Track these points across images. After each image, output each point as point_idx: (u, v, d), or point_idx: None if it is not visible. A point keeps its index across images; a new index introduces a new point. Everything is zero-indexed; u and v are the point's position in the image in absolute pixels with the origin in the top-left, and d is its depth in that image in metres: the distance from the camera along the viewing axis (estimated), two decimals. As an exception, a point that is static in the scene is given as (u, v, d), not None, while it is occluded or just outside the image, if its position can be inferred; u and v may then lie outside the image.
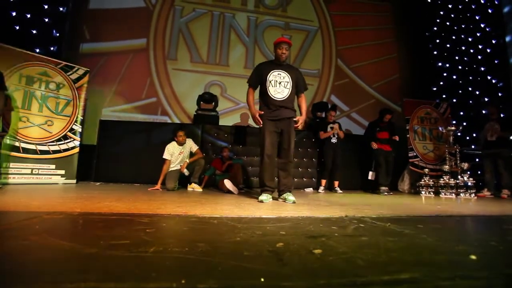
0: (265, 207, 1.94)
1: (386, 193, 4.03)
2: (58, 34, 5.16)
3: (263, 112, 2.53)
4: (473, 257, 0.84)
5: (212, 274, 0.62)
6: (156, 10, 6.15)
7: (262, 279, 0.59)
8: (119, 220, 1.26)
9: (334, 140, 4.29)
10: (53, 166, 3.80)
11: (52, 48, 4.98)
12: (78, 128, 4.14)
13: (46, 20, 4.98)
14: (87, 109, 4.43)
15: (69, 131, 4.05)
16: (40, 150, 3.72)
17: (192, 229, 1.16)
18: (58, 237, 0.90)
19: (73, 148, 4.04)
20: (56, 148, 3.87)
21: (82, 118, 4.20)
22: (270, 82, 2.50)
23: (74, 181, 3.95)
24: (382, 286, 0.59)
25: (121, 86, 5.70)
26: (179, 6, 6.26)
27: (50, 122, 3.86)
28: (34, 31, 4.71)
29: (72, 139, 4.05)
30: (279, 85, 2.49)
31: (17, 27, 4.55)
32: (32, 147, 3.66)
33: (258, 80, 2.60)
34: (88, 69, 4.34)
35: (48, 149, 3.79)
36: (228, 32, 6.38)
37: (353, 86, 6.69)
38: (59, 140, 3.91)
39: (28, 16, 4.73)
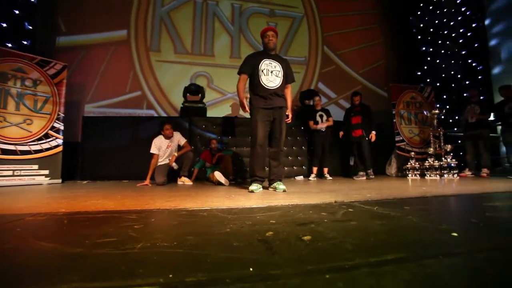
0: (255, 197, 1.95)
1: (361, 178, 4.14)
2: (30, 27, 4.86)
3: (253, 101, 2.51)
4: (455, 234, 0.87)
5: (201, 267, 0.61)
6: (135, -1, 5.88)
7: (251, 269, 0.59)
8: (106, 217, 1.23)
9: (323, 128, 4.33)
10: (36, 167, 3.67)
11: (25, 43, 4.69)
12: (60, 125, 3.99)
13: (17, 12, 4.68)
14: (68, 106, 4.26)
15: (51, 129, 3.89)
16: (20, 151, 3.57)
17: (181, 222, 1.15)
18: (41, 239, 0.87)
19: (56, 146, 3.90)
20: (37, 147, 3.72)
21: (63, 115, 4.04)
22: (262, 71, 2.48)
23: (60, 180, 3.84)
24: (369, 268, 0.60)
25: (103, 80, 5.49)
26: (159, -6, 6.01)
27: (29, 120, 3.69)
28: (4, 25, 4.42)
29: (54, 138, 3.90)
30: (271, 74, 2.49)
31: (-15, 21, 4.26)
32: (11, 147, 3.51)
33: (250, 68, 2.53)
34: (66, 64, 4.15)
35: (29, 149, 3.65)
36: (212, 21, 6.21)
37: (340, 73, 6.71)
38: (40, 139, 3.76)
39: (-4, 8, 4.42)
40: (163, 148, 3.61)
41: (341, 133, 4.47)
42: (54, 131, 3.92)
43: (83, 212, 1.39)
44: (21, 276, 0.58)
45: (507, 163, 4.54)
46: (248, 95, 2.63)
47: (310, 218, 1.16)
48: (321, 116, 4.37)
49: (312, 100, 4.60)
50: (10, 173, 3.45)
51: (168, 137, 3.62)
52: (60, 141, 3.95)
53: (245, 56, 2.64)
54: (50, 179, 3.76)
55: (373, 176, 4.18)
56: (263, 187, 2.49)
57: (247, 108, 2.49)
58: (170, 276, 0.55)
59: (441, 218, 1.17)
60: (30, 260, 0.69)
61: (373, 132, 4.23)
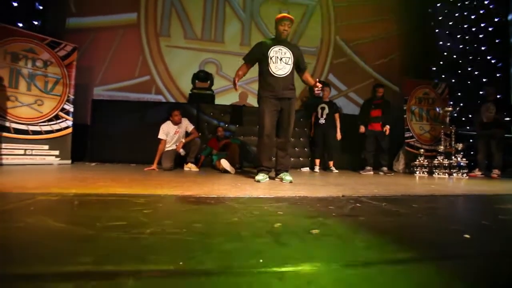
0: (262, 187, 1.95)
1: (369, 173, 4.11)
2: (41, 7, 4.83)
3: (261, 90, 2.48)
4: (467, 236, 0.85)
5: (210, 256, 0.61)
6: (146, -20, 5.77)
7: (261, 260, 0.59)
8: (115, 201, 1.25)
9: (322, 121, 4.27)
10: (47, 147, 3.74)
11: (36, 23, 4.68)
12: (69, 107, 4.03)
13: (28, -9, 4.64)
14: (77, 88, 4.29)
15: (61, 110, 3.94)
16: (32, 131, 3.64)
17: (189, 209, 1.16)
18: (54, 219, 0.88)
19: (66, 128, 3.96)
20: (48, 128, 3.78)
21: (73, 97, 4.08)
22: (271, 58, 2.42)
23: (69, 161, 3.91)
24: (381, 266, 0.59)
25: (112, 63, 5.48)
26: (171, -23, 5.88)
27: (40, 101, 3.74)
28: (15, 4, 4.40)
29: (64, 119, 3.95)
30: (280, 61, 2.42)
31: (-3, -1, 4.25)
32: (23, 127, 3.57)
33: (255, 57, 2.51)
34: (76, 46, 4.15)
35: (40, 130, 3.71)
36: (223, 7, 6.07)
37: (351, 65, 6.54)
38: (50, 120, 3.82)
39: (8, -14, 4.40)
40: (171, 134, 3.63)
41: (362, 127, 4.28)
42: (64, 113, 3.97)
43: (93, 194, 1.42)
44: (35, 256, 0.59)
45: (519, 164, 4.43)
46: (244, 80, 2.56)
47: (318, 211, 1.15)
48: (322, 109, 4.30)
49: (321, 91, 4.51)
50: (21, 152, 3.53)
51: (176, 123, 3.62)
52: (70, 123, 4.00)
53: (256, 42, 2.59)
54: (60, 159, 3.83)
55: (392, 173, 4.18)
56: (270, 177, 2.49)
57: (237, 87, 2.45)
58: (181, 263, 0.55)
59: (451, 218, 1.16)
60: (44, 240, 0.71)
61: (388, 126, 4.20)
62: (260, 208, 1.18)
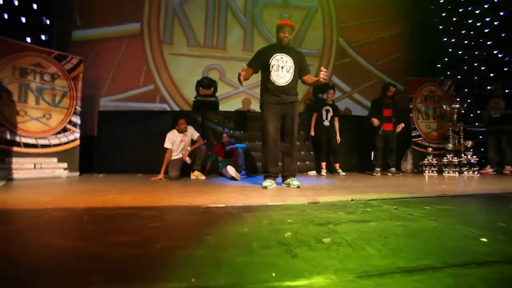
0: (269, 194, 1.94)
1: (378, 174, 4.06)
2: (48, 22, 4.96)
3: (263, 96, 2.48)
4: (484, 240, 0.83)
5: (222, 270, 0.61)
6: (148, -9, 5.88)
7: (273, 274, 0.58)
8: (124, 214, 1.26)
9: (326, 123, 4.24)
10: (55, 160, 3.80)
11: (43, 37, 4.81)
12: (77, 120, 4.10)
13: (35, 7, 4.77)
14: (84, 100, 4.36)
15: (68, 123, 4.01)
16: (41, 144, 3.70)
17: (198, 220, 1.16)
18: (63, 237, 0.89)
19: (73, 140, 4.02)
20: (56, 141, 3.85)
21: (80, 109, 4.15)
22: (272, 66, 2.42)
23: (78, 173, 3.96)
24: (394, 276, 0.58)
25: (117, 74, 5.57)
26: (172, -14, 5.98)
27: (48, 115, 3.81)
28: (23, 19, 4.53)
29: (71, 131, 4.02)
30: (282, 70, 2.42)
31: (5, 15, 4.38)
32: (33, 141, 3.64)
33: (258, 65, 2.51)
34: (82, 58, 4.23)
35: (48, 143, 3.78)
36: (225, 12, 6.13)
37: (354, 66, 6.51)
38: (58, 133, 3.89)
39: (16, 3, 4.53)
40: (177, 143, 3.65)
41: (375, 120, 4.12)
42: (72, 125, 4.03)
43: (101, 207, 1.43)
44: (42, 277, 0.59)
45: (532, 160, 4.31)
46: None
47: (327, 217, 1.13)
48: (327, 111, 4.28)
49: (326, 93, 4.50)
50: (31, 166, 3.59)
51: (182, 131, 3.65)
52: (77, 135, 4.06)
53: (258, 50, 2.59)
54: (68, 171, 3.89)
55: (401, 174, 4.14)
56: (277, 183, 2.47)
57: (241, 82, 2.39)
58: (193, 280, 0.55)
59: (466, 220, 1.12)
60: (53, 260, 0.71)
61: (402, 124, 4.18)
62: (269, 216, 1.17)
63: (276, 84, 2.41)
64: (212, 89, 5.12)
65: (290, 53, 2.47)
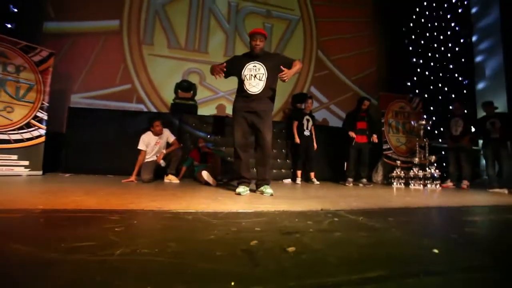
0: (242, 201, 1.94)
1: (351, 184, 4.20)
2: (16, 10, 4.64)
3: (235, 102, 2.53)
4: (436, 251, 0.89)
5: (181, 278, 0.59)
6: (130, -11, 5.73)
7: (233, 283, 0.58)
8: (86, 217, 1.19)
9: (307, 133, 4.35)
10: (15, 157, 3.52)
11: (9, 26, 4.48)
12: (43, 115, 3.84)
13: (2, -7, 4.46)
14: (53, 95, 4.11)
15: (33, 118, 3.74)
16: (-1, 139, 3.41)
17: (165, 226, 1.13)
18: (15, 241, 0.82)
19: (38, 137, 3.75)
20: (18, 137, 3.57)
21: (47, 104, 3.89)
22: (245, 76, 2.45)
23: (40, 172, 3.69)
24: (350, 286, 0.60)
25: (92, 71, 5.32)
26: (155, -14, 5.89)
27: (9, 108, 3.53)
28: (-13, 6, 4.22)
29: (36, 128, 3.75)
30: (254, 78, 2.42)
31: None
32: (-10, 135, 3.35)
33: (229, 71, 2.53)
34: (53, 52, 4.00)
35: (8, 138, 3.49)
36: (208, 18, 6.13)
37: (332, 78, 6.77)
38: (21, 128, 3.61)
39: (-19, -12, 4.21)
40: (151, 145, 3.54)
41: (352, 133, 4.25)
42: (37, 121, 3.77)
43: (62, 210, 1.34)
44: (-13, 285, 0.55)
45: (486, 175, 4.71)
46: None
47: (296, 226, 1.16)
48: (307, 120, 4.40)
49: (305, 102, 4.62)
50: (-15, 162, 3.29)
51: (157, 133, 3.55)
52: (42, 131, 3.80)
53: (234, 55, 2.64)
54: (30, 170, 3.61)
55: (371, 185, 4.30)
56: (251, 190, 2.48)
57: (217, 71, 2.44)
58: (148, 289, 0.53)
59: (423, 232, 1.20)
60: (1, 267, 0.65)
61: (375, 135, 4.38)
62: (238, 224, 1.16)
63: (249, 92, 2.43)
64: (192, 92, 5.05)
65: (263, 60, 2.47)
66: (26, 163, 3.60)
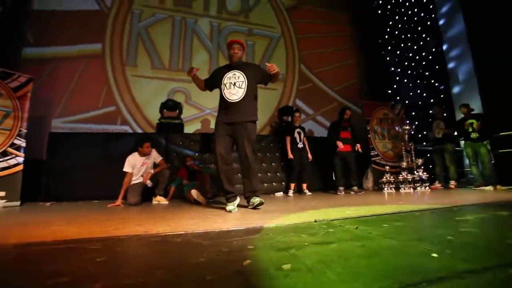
0: (233, 218, 1.87)
1: (342, 193, 4.21)
2: (-7, 37, 4.55)
3: (217, 115, 2.53)
4: (435, 255, 0.86)
5: (168, 312, 0.53)
6: (111, 13, 5.77)
7: (225, 311, 0.53)
8: (64, 249, 1.09)
9: (300, 145, 4.35)
10: (-10, 188, 3.31)
11: (-15, 53, 4.37)
12: (21, 142, 3.67)
13: (-22, 21, 4.38)
14: (33, 121, 3.96)
15: (10, 146, 3.57)
16: (-28, 170, 3.21)
17: (152, 252, 1.05)
18: (-23, 282, 0.73)
19: (15, 165, 3.56)
20: (-7, 167, 3.38)
21: (26, 131, 3.74)
22: (225, 85, 2.46)
23: (18, 203, 3.47)
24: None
25: (74, 95, 5.21)
26: (137, 10, 5.96)
27: (-16, 137, 3.37)
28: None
29: (13, 156, 3.57)
30: (234, 86, 2.42)
31: None
32: (-38, 167, 3.15)
33: (210, 83, 2.61)
34: (31, 77, 3.89)
35: (-18, 169, 3.30)
36: (191, 38, 6.23)
37: (316, 90, 6.94)
38: (-4, 157, 3.42)
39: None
40: (138, 166, 3.43)
41: (339, 143, 4.30)
42: (14, 148, 3.59)
43: (38, 243, 1.23)
44: None
45: (470, 174, 4.84)
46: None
47: (290, 241, 1.11)
48: (299, 133, 4.42)
49: (292, 116, 4.66)
50: (-43, 196, 3.07)
51: (145, 154, 3.46)
52: (20, 159, 3.61)
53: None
54: (6, 201, 3.39)
55: (363, 192, 4.30)
56: (242, 206, 2.41)
57: (192, 72, 2.47)
58: (129, 328, 0.47)
59: (419, 236, 1.17)
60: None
61: (358, 144, 4.42)
62: (229, 243, 1.10)
63: (229, 100, 2.41)
64: (177, 111, 5.02)
65: (242, 69, 2.48)
66: (3, 194, 3.39)
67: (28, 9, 5.23)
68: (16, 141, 3.62)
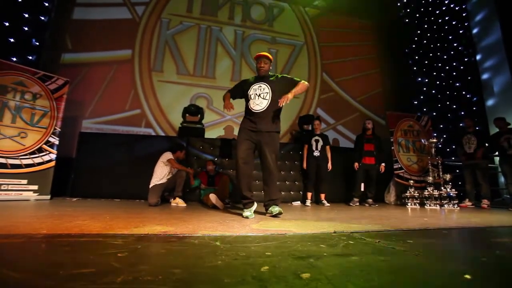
0: (250, 224, 1.86)
1: (356, 204, 4.16)
2: (37, 44, 4.98)
3: (241, 123, 2.58)
4: (468, 276, 0.80)
5: (186, 310, 0.53)
6: (142, 22, 6.11)
7: (243, 315, 0.52)
8: (89, 242, 1.14)
9: (316, 154, 4.26)
10: (25, 181, 3.55)
11: (30, 58, 4.78)
12: (55, 140, 3.93)
13: (26, 28, 4.81)
14: (66, 121, 4.23)
15: (45, 143, 3.83)
16: (11, 164, 3.47)
17: (170, 251, 1.07)
18: (10, 267, 0.78)
19: (48, 161, 3.81)
20: (29, 161, 3.63)
21: (59, 130, 4.00)
22: (250, 96, 2.52)
23: (48, 196, 3.69)
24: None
25: (103, 97, 5.53)
26: (166, 18, 6.26)
27: (23, 134, 3.64)
28: (12, 40, 4.52)
29: (47, 152, 3.82)
30: (258, 97, 2.48)
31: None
32: (2, 160, 3.41)
33: (237, 93, 2.66)
34: (68, 80, 4.18)
35: (20, 163, 3.55)
36: (215, 45, 6.41)
37: (338, 99, 6.83)
38: (33, 153, 3.68)
39: (7, 24, 4.55)
40: (168, 167, 3.56)
41: (356, 164, 4.35)
42: (49, 146, 3.85)
43: (65, 235, 1.30)
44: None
45: (506, 194, 4.47)
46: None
47: (308, 251, 1.08)
48: (316, 141, 4.33)
49: (311, 124, 4.61)
50: (-5, 187, 3.32)
51: (179, 160, 3.69)
52: (53, 156, 3.86)
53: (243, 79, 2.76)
54: (38, 194, 3.62)
55: (377, 205, 4.17)
56: (261, 213, 2.39)
57: (228, 106, 2.54)
58: (149, 323, 0.47)
59: (448, 255, 1.10)
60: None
61: (383, 164, 4.36)
62: (246, 248, 1.09)
63: (253, 111, 2.47)
64: (199, 116, 5.14)
65: (268, 81, 2.53)
66: (35, 187, 3.62)
67: (69, 18, 5.68)
68: (50, 139, 3.88)
